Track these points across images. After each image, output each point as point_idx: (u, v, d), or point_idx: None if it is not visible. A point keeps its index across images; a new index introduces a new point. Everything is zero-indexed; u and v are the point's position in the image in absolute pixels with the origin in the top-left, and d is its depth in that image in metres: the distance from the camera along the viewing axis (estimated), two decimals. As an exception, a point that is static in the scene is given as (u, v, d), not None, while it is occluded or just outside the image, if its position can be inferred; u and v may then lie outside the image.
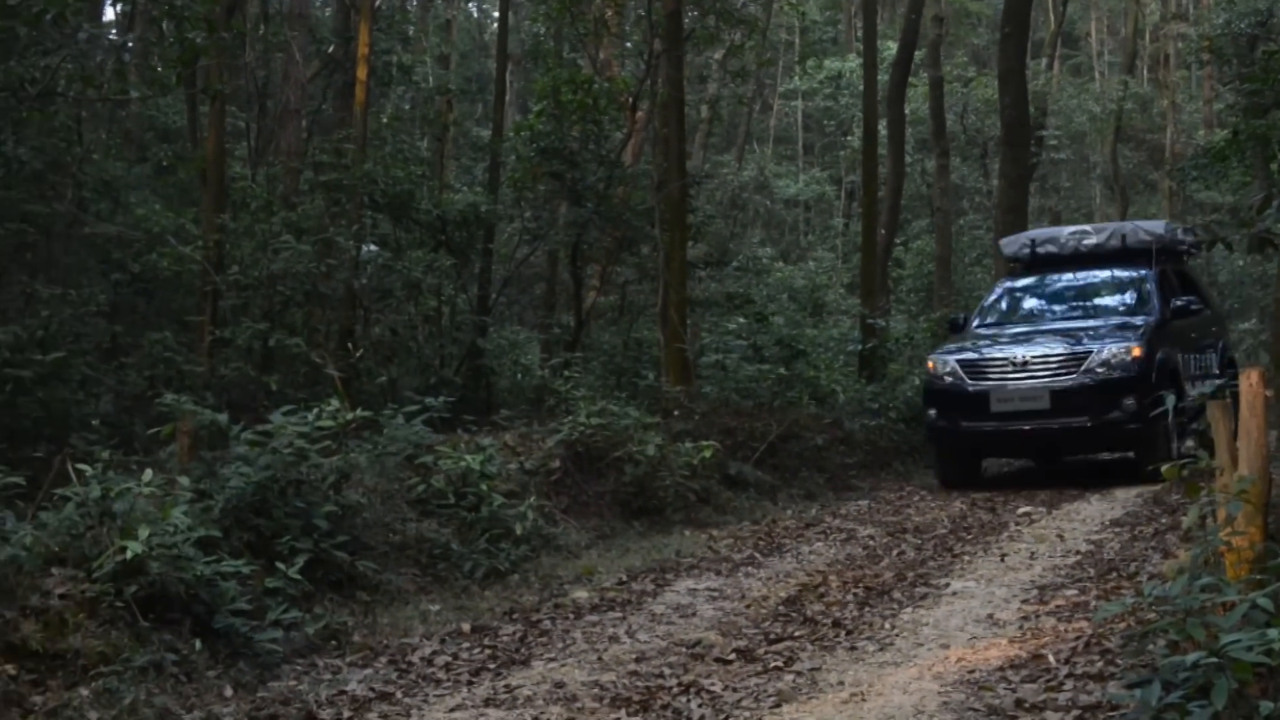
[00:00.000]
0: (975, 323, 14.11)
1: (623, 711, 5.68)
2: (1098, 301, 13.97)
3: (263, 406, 11.52)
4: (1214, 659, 4.11)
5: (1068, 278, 14.41)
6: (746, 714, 5.53)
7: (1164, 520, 9.82)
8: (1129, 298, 13.76)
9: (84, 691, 5.65)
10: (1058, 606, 7.20)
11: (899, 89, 21.58)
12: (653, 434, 11.59)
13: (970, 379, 12.63)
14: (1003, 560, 8.78)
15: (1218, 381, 12.71)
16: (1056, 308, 14.09)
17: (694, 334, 16.30)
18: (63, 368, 11.60)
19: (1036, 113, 26.96)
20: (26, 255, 14.55)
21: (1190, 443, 13.45)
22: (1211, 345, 14.50)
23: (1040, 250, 14.56)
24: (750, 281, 23.07)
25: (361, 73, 16.23)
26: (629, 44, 25.00)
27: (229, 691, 6.17)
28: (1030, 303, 14.38)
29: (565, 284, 19.43)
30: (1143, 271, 13.74)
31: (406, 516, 9.21)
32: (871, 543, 9.98)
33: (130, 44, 18.48)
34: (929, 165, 28.59)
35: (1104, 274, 14.20)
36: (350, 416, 9.12)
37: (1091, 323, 13.26)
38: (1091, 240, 14.33)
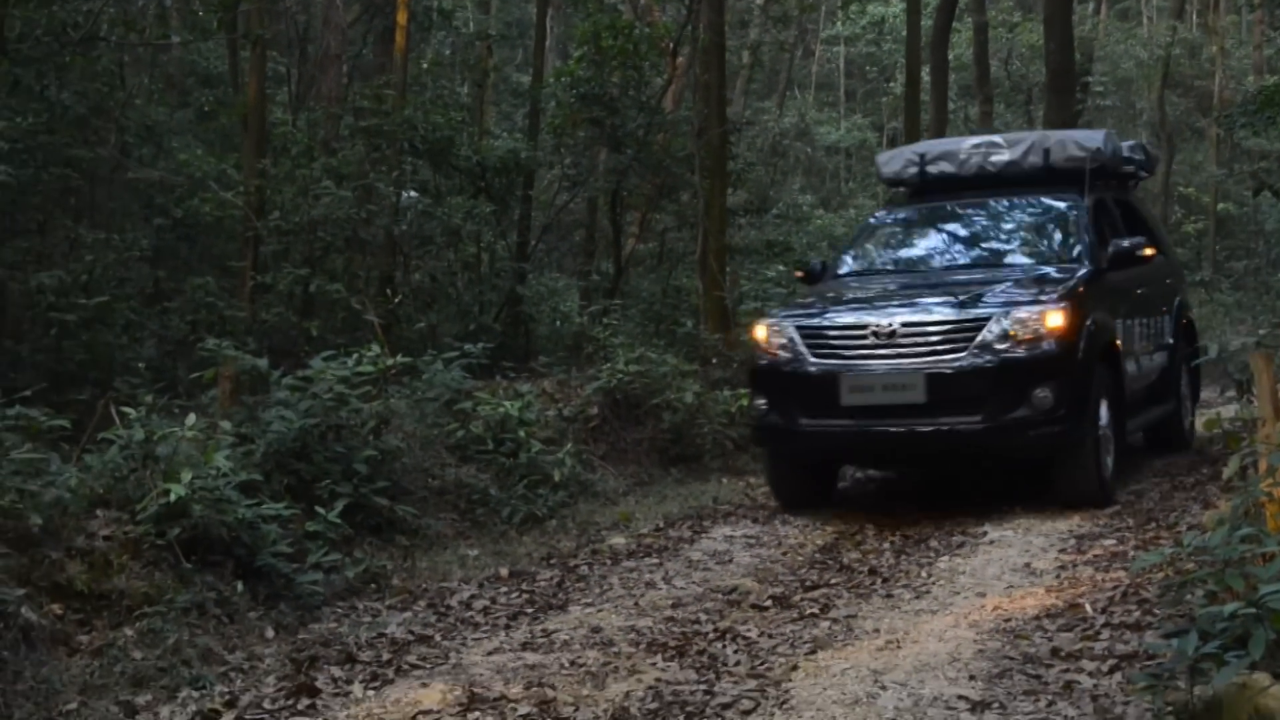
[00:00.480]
0: (835, 272, 10.20)
1: (659, 657, 5.72)
2: (1006, 243, 10.17)
3: (303, 352, 11.61)
4: (1252, 609, 4.10)
5: (967, 209, 10.52)
6: (782, 660, 5.56)
7: (1204, 471, 9.76)
8: (1051, 238, 10.00)
9: (128, 631, 5.74)
10: (1095, 556, 7.19)
11: (942, 34, 21.31)
12: (691, 381, 11.61)
13: (814, 355, 8.79)
14: (1041, 509, 8.76)
15: (1163, 356, 10.47)
16: (947, 252, 10.25)
17: (733, 281, 16.25)
18: (106, 312, 11.71)
19: (1082, 58, 26.59)
20: (70, 200, 14.65)
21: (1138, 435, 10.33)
22: (1164, 305, 10.86)
23: (932, 170, 10.69)
24: (790, 229, 22.96)
25: (401, 17, 16.19)
26: (670, -12, 24.77)
27: (270, 632, 6.26)
28: (912, 244, 10.56)
29: (604, 231, 19.39)
30: (1072, 200, 9.97)
31: (445, 462, 9.28)
32: (909, 490, 9.97)
33: (171, -11, 18.48)
34: (972, 112, 28.30)
35: (1018, 203, 10.39)
36: (390, 362, 9.18)
37: (995, 274, 9.35)
38: (1003, 156, 10.45)
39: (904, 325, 8.54)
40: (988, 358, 8.34)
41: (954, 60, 25.94)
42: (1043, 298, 8.59)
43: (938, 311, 8.65)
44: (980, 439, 8.46)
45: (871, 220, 11.14)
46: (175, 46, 17.46)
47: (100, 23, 12.76)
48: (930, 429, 8.43)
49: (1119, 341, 9.18)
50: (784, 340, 8.95)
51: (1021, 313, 8.44)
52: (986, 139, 10.84)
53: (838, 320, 8.93)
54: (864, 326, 8.67)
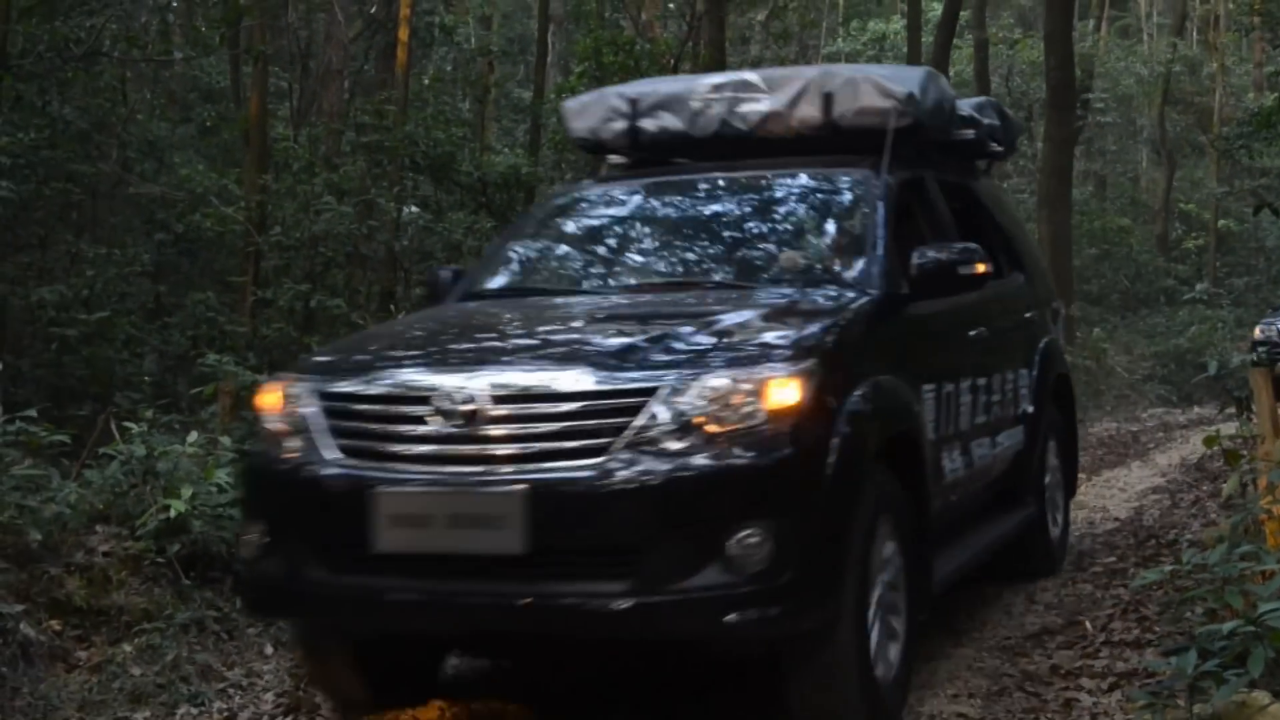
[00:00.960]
0: (466, 289, 6.05)
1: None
2: (740, 249, 6.01)
3: (304, 367, 11.59)
4: (1252, 627, 4.10)
5: (689, 188, 6.46)
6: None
7: (1204, 488, 9.76)
8: (817, 242, 5.95)
9: (127, 647, 5.74)
10: (1095, 573, 7.18)
11: (943, 51, 21.35)
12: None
13: (339, 448, 4.56)
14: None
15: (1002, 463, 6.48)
16: (641, 262, 6.15)
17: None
18: (107, 327, 11.72)
19: (1083, 75, 26.65)
20: (72, 215, 14.69)
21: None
22: (1019, 353, 6.99)
23: (649, 125, 6.55)
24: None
25: (403, 33, 16.24)
26: (671, 5, 24.86)
27: (269, 649, 6.25)
28: (588, 247, 6.38)
29: (605, 246, 19.41)
30: (859, 178, 5.95)
31: (445, 478, 9.27)
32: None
33: (174, 4, 18.55)
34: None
35: (773, 181, 6.29)
36: (390, 378, 9.17)
37: (705, 303, 5.28)
38: (760, 106, 6.32)
39: (496, 397, 4.37)
40: (646, 466, 4.22)
41: (955, 77, 25.98)
42: (771, 347, 4.56)
43: (563, 372, 4.45)
44: (629, 626, 4.27)
45: (539, 206, 7.48)
46: (177, 62, 17.49)
47: (103, 38, 12.80)
48: (533, 603, 4.27)
49: (924, 423, 5.28)
50: (298, 417, 4.69)
51: (716, 379, 4.33)
52: (735, 77, 6.62)
53: (381, 384, 4.64)
54: (423, 397, 4.46)
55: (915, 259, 5.46)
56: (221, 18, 13.70)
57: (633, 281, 5.88)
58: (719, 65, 15.42)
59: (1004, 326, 6.78)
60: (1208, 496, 9.33)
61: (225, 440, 7.56)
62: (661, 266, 6.03)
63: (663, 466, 4.21)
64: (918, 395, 5.28)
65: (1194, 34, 37.05)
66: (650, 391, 4.30)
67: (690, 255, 6.04)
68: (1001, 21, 33.47)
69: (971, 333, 6.21)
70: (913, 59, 19.11)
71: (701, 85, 6.56)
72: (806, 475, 4.34)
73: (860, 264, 5.50)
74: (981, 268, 5.56)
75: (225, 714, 5.33)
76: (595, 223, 6.52)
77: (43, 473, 6.46)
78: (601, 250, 6.36)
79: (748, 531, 4.17)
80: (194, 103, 20.22)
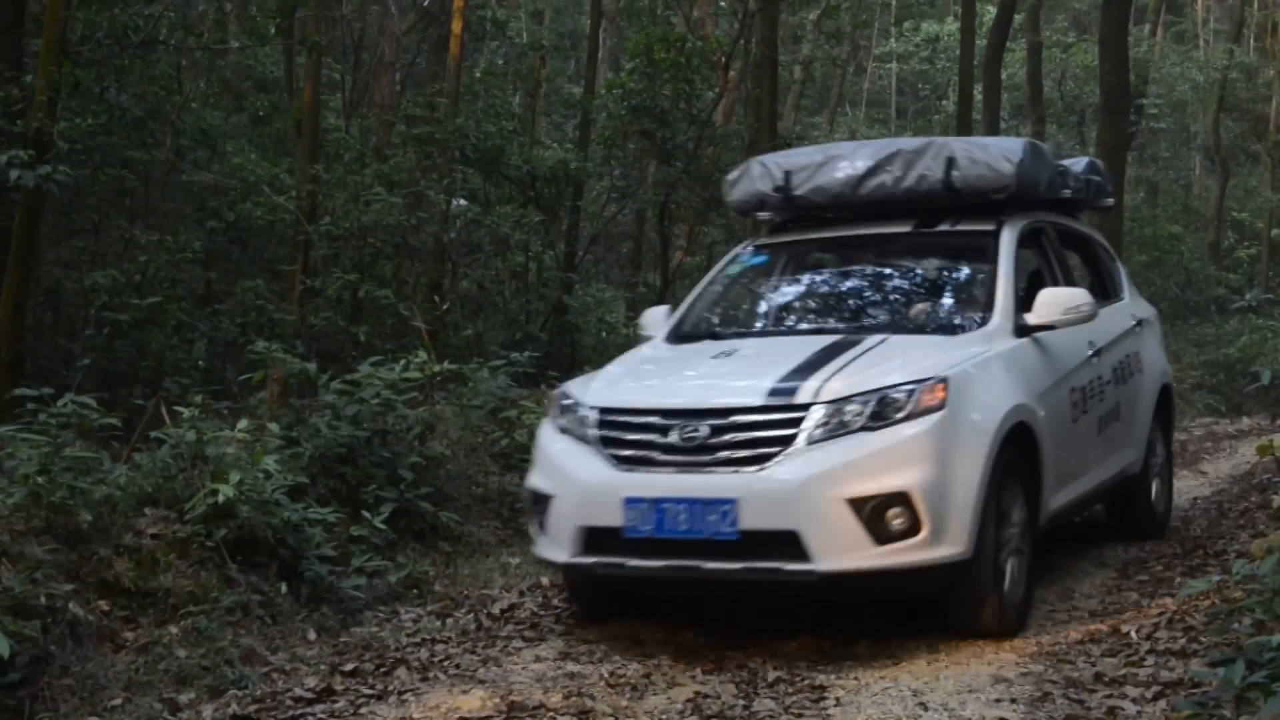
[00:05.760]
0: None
1: (698, 669, 5.72)
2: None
3: (350, 356, 11.69)
4: (1301, 640, 4.06)
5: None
6: (822, 678, 5.54)
7: (1253, 499, 9.65)
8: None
9: (173, 629, 5.80)
10: (1141, 582, 7.13)
11: (996, 53, 21.22)
12: (736, 395, 11.57)
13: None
14: (1085, 533, 8.69)
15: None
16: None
17: (780, 296, 16.19)
18: (158, 313, 11.83)
19: (1137, 80, 26.41)
20: (126, 201, 14.81)
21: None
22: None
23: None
24: (838, 245, 22.88)
25: (456, 26, 16.31)
26: (723, 2, 24.84)
27: (313, 635, 6.30)
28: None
29: (652, 243, 19.42)
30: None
31: (489, 469, 9.31)
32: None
33: (230, -6, 18.68)
34: (1024, 132, 28.13)
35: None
36: (436, 369, 9.22)
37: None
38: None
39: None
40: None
41: (1007, 80, 25.83)
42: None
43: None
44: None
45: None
46: (232, 51, 17.63)
47: (160, 27, 12.92)
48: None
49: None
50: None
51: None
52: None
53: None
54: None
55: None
56: (276, 8, 13.81)
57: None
58: (770, 64, 15.40)
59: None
60: (1256, 507, 9.22)
61: (273, 427, 7.62)
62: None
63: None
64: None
65: (1251, 40, 36.63)
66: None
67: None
68: (1056, 25, 33.23)
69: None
70: (965, 61, 18.99)
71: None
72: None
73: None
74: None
75: (269, 697, 5.37)
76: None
77: (94, 455, 6.53)
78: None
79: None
80: (248, 92, 20.37)
